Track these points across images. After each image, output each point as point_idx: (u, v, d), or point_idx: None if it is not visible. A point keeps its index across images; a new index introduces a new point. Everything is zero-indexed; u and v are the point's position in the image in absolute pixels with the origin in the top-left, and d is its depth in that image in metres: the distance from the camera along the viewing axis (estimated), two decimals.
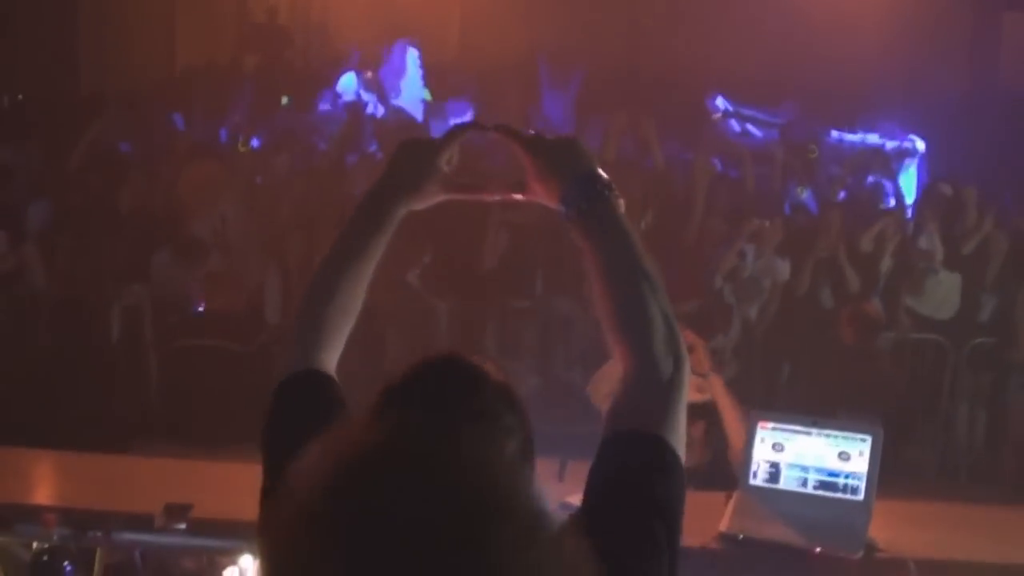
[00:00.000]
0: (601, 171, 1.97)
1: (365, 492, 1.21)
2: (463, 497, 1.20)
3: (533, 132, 2.08)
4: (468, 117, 11.29)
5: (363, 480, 1.22)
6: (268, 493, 1.81)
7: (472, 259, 9.00)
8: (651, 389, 1.79)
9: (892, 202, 9.93)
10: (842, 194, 10.26)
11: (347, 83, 12.07)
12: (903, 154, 10.76)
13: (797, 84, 11.35)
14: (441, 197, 2.14)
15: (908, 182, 10.66)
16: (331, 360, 2.02)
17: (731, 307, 8.75)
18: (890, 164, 10.56)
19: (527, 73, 11.82)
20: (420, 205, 2.13)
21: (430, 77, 12.50)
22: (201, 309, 7.91)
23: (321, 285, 2.06)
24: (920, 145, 11.00)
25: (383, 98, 11.79)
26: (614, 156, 9.50)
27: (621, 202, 1.95)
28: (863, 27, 11.01)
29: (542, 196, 2.02)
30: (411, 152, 2.14)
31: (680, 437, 1.78)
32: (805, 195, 10.14)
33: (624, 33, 12.04)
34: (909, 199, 10.23)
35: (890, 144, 10.91)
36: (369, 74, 11.85)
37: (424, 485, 1.21)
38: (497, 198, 2.21)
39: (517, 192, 2.08)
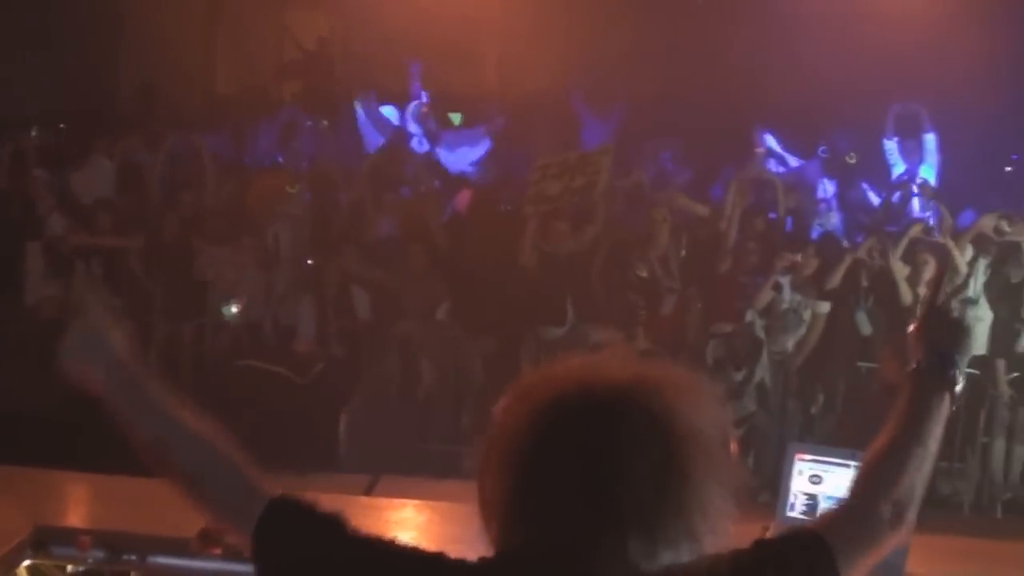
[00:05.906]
0: (961, 359, 2.23)
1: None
2: None
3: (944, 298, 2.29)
4: (485, 147, 11.29)
5: None
6: None
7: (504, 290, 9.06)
8: (864, 521, 2.01)
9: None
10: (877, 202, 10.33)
11: (390, 113, 11.77)
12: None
13: (841, 112, 11.23)
14: None
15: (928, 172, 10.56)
16: None
17: (761, 341, 8.69)
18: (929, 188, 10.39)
19: (564, 103, 11.77)
20: None
21: (465, 105, 12.46)
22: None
23: None
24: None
25: (430, 134, 11.46)
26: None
27: (959, 386, 2.20)
28: (908, 54, 10.81)
29: (912, 347, 2.25)
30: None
31: (851, 570, 1.95)
32: (835, 221, 10.09)
33: (663, 61, 11.92)
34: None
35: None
36: (425, 109, 11.49)
37: None
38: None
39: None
